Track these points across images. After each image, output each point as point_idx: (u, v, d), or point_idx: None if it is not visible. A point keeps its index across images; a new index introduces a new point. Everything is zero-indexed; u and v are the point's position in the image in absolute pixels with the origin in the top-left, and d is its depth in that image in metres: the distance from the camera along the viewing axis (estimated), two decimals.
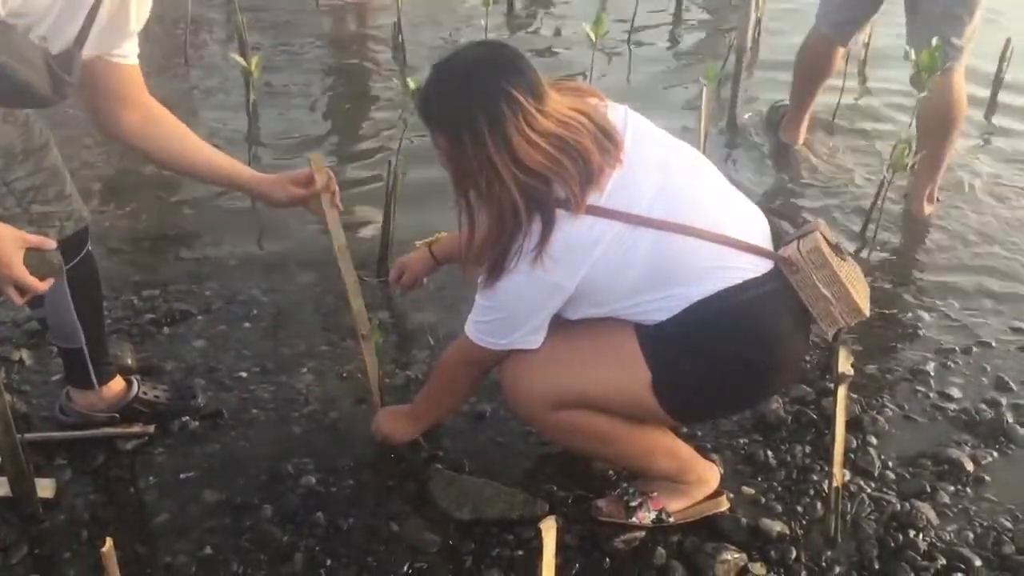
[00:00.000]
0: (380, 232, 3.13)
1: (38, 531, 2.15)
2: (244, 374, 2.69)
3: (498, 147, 1.79)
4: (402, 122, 4.18)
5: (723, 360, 1.96)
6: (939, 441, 2.51)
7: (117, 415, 2.43)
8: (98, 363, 2.36)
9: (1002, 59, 4.43)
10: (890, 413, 2.59)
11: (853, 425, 2.51)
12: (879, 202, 3.03)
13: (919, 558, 2.13)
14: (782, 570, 2.11)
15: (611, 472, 2.34)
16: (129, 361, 2.67)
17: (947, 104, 3.30)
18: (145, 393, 2.48)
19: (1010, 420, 2.57)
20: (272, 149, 4.04)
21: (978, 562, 2.13)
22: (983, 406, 2.63)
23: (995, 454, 2.47)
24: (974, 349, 2.88)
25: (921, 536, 2.20)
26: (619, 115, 1.96)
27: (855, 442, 2.46)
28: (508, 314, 1.97)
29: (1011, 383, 2.73)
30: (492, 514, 2.22)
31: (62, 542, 2.13)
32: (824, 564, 2.13)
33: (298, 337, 2.86)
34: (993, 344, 2.91)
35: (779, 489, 2.34)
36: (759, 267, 1.96)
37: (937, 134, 3.34)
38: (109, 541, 1.46)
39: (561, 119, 1.83)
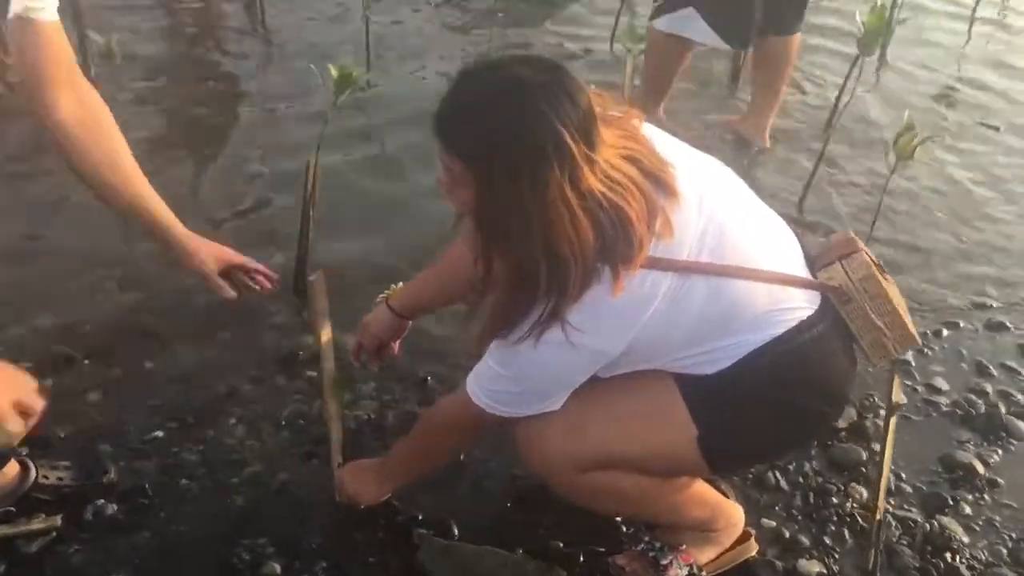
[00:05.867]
0: (296, 241, 2.68)
1: None
2: (160, 433, 2.23)
3: (534, 198, 1.45)
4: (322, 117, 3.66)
5: (779, 410, 1.72)
6: (942, 441, 2.38)
7: (12, 509, 1.95)
8: None
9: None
10: (884, 413, 2.43)
11: (855, 432, 2.35)
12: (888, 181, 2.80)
13: None
14: None
15: (619, 519, 2.07)
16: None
17: (789, 59, 3.54)
18: (45, 476, 2.01)
19: (1004, 411, 2.47)
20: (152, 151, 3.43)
21: None
22: (973, 396, 2.53)
23: (1000, 452, 2.37)
24: (944, 332, 2.77)
25: (958, 559, 2.06)
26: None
27: (864, 453, 2.29)
28: (533, 386, 1.66)
29: (991, 367, 2.65)
30: None
31: None
32: None
33: (215, 377, 2.41)
34: (961, 324, 2.81)
35: (800, 518, 2.14)
36: (811, 302, 1.72)
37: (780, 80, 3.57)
38: None
39: (609, 176, 1.48)
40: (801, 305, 1.70)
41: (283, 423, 2.29)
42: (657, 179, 1.56)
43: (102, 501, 2.03)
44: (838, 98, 3.73)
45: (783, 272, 1.70)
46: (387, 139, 3.55)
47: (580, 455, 1.73)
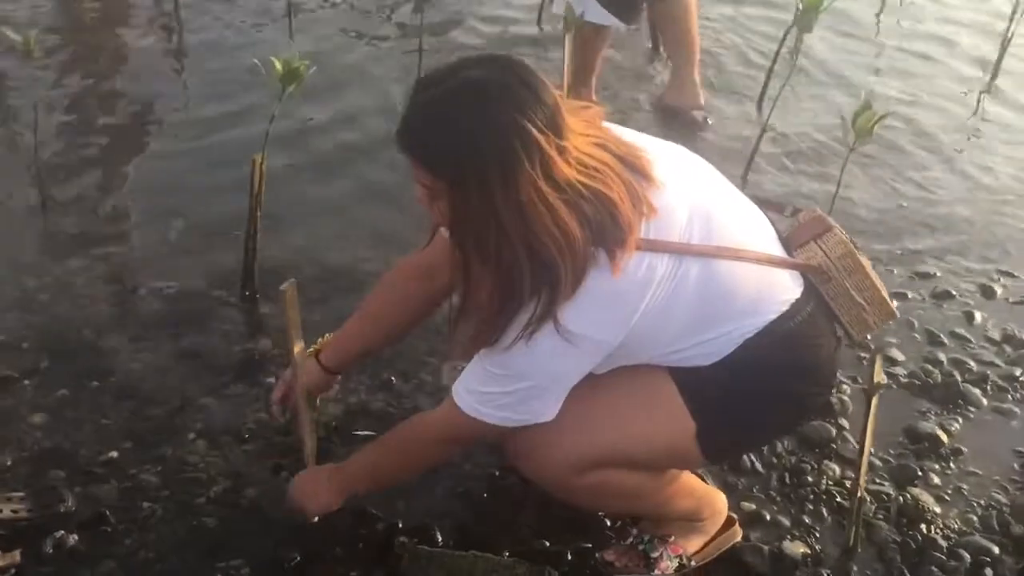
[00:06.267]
0: (243, 244, 2.56)
1: None
2: (115, 454, 2.11)
3: (507, 199, 1.42)
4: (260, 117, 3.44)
5: (775, 398, 1.72)
6: (904, 413, 2.41)
7: None
8: None
9: None
10: (847, 388, 2.46)
11: (823, 409, 2.36)
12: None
13: (945, 558, 2.02)
14: None
15: (601, 513, 2.04)
16: None
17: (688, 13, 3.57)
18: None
19: (960, 380, 2.52)
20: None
21: (996, 550, 2.05)
22: (928, 366, 2.57)
23: (960, 420, 2.41)
24: (893, 302, 2.79)
25: (933, 529, 2.09)
26: None
27: (832, 430, 2.31)
28: (530, 387, 1.59)
29: (941, 336, 2.69)
30: None
31: None
32: None
33: (167, 390, 2.30)
34: (908, 295, 2.85)
35: (778, 499, 2.15)
36: (796, 283, 1.72)
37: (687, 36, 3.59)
38: None
39: (584, 163, 1.46)
40: (788, 287, 1.71)
41: (246, 435, 2.19)
42: (631, 165, 1.54)
43: (61, 532, 1.90)
44: (770, 71, 3.75)
45: (769, 253, 1.69)
46: (327, 138, 3.42)
47: (580, 458, 1.69)
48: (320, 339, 2.01)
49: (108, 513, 1.96)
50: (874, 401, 1.86)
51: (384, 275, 2.01)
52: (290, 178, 3.09)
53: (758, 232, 1.72)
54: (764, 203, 1.90)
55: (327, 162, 3.27)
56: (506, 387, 1.60)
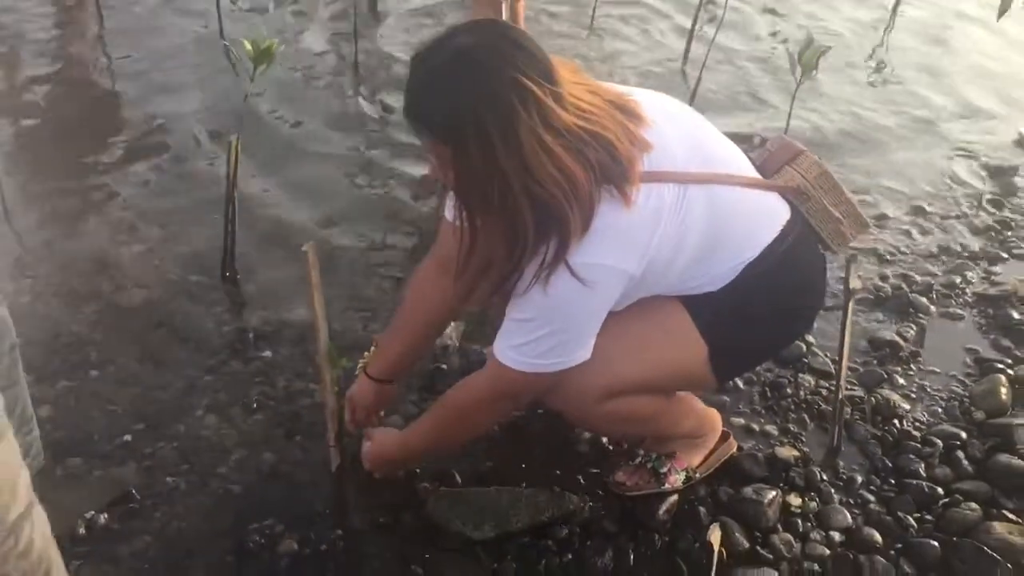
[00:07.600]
0: (222, 227, 2.60)
1: None
2: (128, 437, 2.16)
3: (509, 153, 1.51)
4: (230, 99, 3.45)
5: (777, 315, 1.86)
6: (864, 325, 2.60)
7: None
8: None
9: None
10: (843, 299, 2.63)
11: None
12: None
13: (920, 446, 2.21)
14: (814, 494, 2.10)
15: (603, 439, 2.18)
16: None
17: None
18: None
19: (908, 291, 2.72)
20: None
21: (964, 435, 2.25)
22: (878, 281, 2.77)
23: (913, 326, 2.61)
24: None
25: (905, 423, 2.28)
26: None
27: (803, 346, 2.48)
28: (566, 324, 1.67)
29: (885, 254, 2.90)
30: (520, 523, 1.97)
31: None
32: (845, 476, 2.14)
33: (167, 373, 2.34)
34: None
35: (763, 412, 2.31)
36: (783, 205, 1.86)
37: None
38: None
39: (580, 107, 1.56)
40: (778, 210, 1.84)
41: (253, 406, 2.25)
42: (621, 107, 1.65)
43: (92, 513, 1.96)
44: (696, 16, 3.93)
45: (757, 178, 1.83)
46: (275, 118, 3.47)
47: (603, 389, 1.78)
48: (363, 357, 2.08)
49: (134, 491, 2.02)
50: (850, 305, 2.03)
51: (408, 283, 2.10)
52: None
53: (741, 161, 1.86)
54: (729, 136, 2.04)
55: (279, 141, 3.32)
56: (539, 332, 1.66)
